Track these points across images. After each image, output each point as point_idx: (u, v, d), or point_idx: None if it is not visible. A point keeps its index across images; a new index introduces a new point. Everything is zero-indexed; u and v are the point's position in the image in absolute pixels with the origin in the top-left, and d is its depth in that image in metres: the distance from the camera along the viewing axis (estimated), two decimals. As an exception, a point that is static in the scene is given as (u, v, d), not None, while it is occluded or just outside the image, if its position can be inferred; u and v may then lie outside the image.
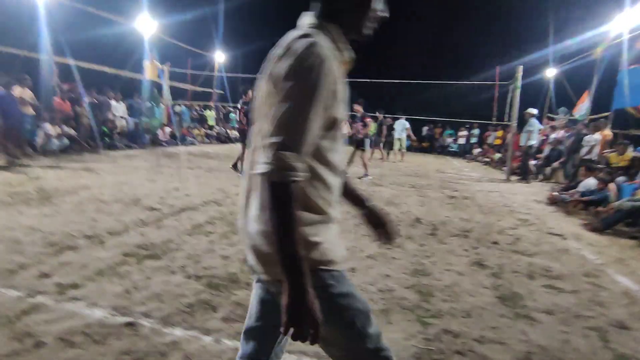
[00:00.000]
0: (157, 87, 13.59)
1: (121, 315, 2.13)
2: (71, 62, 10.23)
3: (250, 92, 6.88)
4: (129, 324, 2.04)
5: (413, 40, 20.13)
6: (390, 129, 13.76)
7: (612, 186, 5.78)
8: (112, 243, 3.25)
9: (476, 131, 17.72)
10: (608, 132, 8.34)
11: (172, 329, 2.04)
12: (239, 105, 7.93)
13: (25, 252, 2.90)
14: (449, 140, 18.83)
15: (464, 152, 17.45)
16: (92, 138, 9.71)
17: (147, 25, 12.32)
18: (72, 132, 9.21)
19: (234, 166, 7.71)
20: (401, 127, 13.61)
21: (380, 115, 12.46)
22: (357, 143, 8.25)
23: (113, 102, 11.12)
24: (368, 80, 13.51)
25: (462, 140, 18.04)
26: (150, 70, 12.31)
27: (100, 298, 2.30)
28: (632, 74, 8.02)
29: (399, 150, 13.74)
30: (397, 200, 6.06)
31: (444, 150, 18.70)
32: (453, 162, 14.80)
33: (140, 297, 2.36)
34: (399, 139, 13.72)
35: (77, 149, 9.04)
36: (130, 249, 3.14)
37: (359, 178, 7.88)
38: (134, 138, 11.33)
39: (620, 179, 6.04)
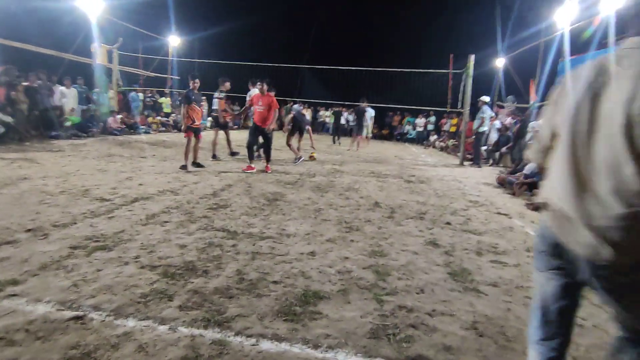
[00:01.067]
0: (107, 72, 12.76)
1: (68, 309, 2.03)
2: (1, 41, 9.30)
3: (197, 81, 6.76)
4: (77, 318, 1.94)
5: (374, 30, 20.37)
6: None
7: (552, 168, 6.23)
8: (57, 236, 3.05)
9: (433, 118, 18.38)
10: (550, 119, 8.94)
11: (125, 320, 1.97)
12: (218, 95, 8.21)
13: (-44, 249, 2.66)
14: (408, 127, 19.39)
15: (421, 139, 18.06)
16: (34, 126, 8.96)
17: (92, 4, 11.44)
18: (7, 119, 8.44)
19: (214, 156, 7.99)
20: (368, 115, 14.17)
21: (363, 104, 12.58)
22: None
23: (61, 88, 10.32)
24: (328, 67, 13.54)
25: (420, 128, 18.64)
26: (100, 54, 11.51)
27: (44, 293, 2.17)
28: (573, 64, 8.62)
29: (366, 137, 14.27)
30: (357, 186, 6.18)
31: (402, 138, 19.23)
32: (411, 149, 15.27)
33: (90, 290, 2.25)
34: (365, 127, 14.25)
35: (15, 138, 8.32)
36: (78, 241, 2.97)
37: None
38: (82, 126, 10.59)
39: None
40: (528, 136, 8.76)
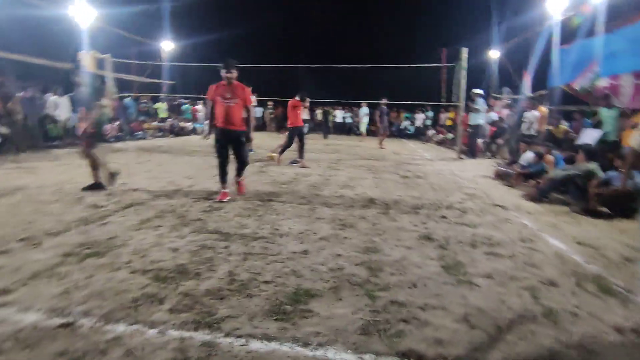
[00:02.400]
0: (101, 79, 12.76)
1: (58, 316, 2.02)
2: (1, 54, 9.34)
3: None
4: (66, 325, 1.94)
5: (366, 26, 20.38)
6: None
7: (548, 158, 6.22)
8: (50, 244, 3.05)
9: (430, 113, 18.39)
10: (544, 109, 8.94)
11: (114, 325, 1.97)
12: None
13: (-53, 261, 2.66)
14: (406, 123, 19.38)
15: (419, 134, 18.05)
16: (31, 136, 8.97)
17: (84, 13, 11.45)
18: (4, 130, 8.45)
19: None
20: (363, 112, 15.84)
21: (382, 103, 12.65)
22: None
23: (54, 97, 10.32)
24: (322, 66, 13.52)
25: (418, 123, 18.63)
26: (88, 61, 11.48)
27: (34, 301, 2.16)
28: (564, 54, 8.59)
29: (363, 133, 16.11)
30: (353, 183, 6.17)
31: (400, 133, 19.21)
32: (409, 144, 15.25)
33: (80, 296, 2.25)
34: (363, 123, 16.17)
35: (12, 149, 8.33)
36: (70, 248, 2.97)
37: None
38: (78, 135, 10.59)
39: (555, 151, 6.52)
40: (524, 127, 8.74)
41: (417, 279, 2.67)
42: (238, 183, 5.02)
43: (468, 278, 2.71)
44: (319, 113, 20.04)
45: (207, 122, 4.92)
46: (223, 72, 4.58)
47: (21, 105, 9.13)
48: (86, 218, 3.78)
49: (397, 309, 2.25)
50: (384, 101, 12.57)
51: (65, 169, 6.61)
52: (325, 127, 17.88)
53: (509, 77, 13.23)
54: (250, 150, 7.95)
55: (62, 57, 12.06)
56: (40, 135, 9.40)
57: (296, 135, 7.87)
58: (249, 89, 4.90)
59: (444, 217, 4.30)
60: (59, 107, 10.44)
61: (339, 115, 20.17)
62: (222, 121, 4.62)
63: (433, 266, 2.91)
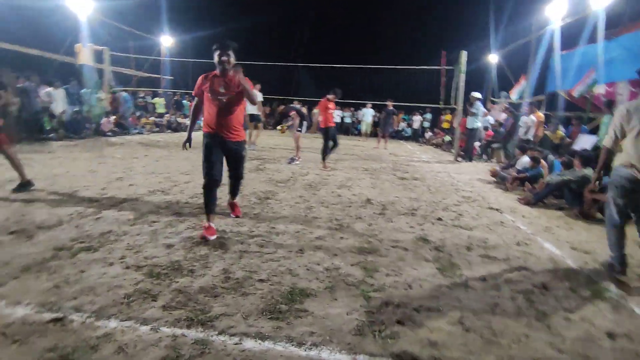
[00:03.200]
0: (99, 73, 12.67)
1: (48, 311, 2.00)
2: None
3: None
4: (56, 320, 1.91)
5: (366, 27, 20.38)
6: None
7: (544, 163, 6.25)
8: (42, 237, 3.01)
9: (428, 115, 18.41)
10: (541, 114, 8.98)
11: (106, 321, 1.94)
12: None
13: (-63, 252, 2.62)
14: (403, 124, 19.39)
15: (417, 136, 18.10)
16: (25, 128, 8.88)
17: (81, 5, 11.34)
18: (-2, 121, 8.35)
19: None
20: (368, 113, 16.42)
21: (389, 104, 12.69)
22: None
23: (49, 90, 10.21)
24: (321, 65, 13.50)
25: (416, 125, 18.65)
26: (83, 53, 11.39)
27: (24, 295, 2.13)
28: (564, 60, 8.64)
29: (365, 133, 16.75)
30: (350, 183, 6.16)
31: (397, 135, 19.22)
32: (407, 146, 15.27)
33: (72, 291, 2.22)
34: (366, 124, 16.66)
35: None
36: (63, 242, 2.94)
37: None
38: (74, 128, 10.51)
39: (551, 156, 6.55)
40: (521, 131, 8.77)
41: (413, 280, 2.67)
42: (232, 205, 3.95)
43: (463, 280, 2.71)
44: (315, 113, 20.01)
45: (188, 126, 3.54)
46: (216, 56, 3.22)
47: (16, 96, 9.02)
48: (80, 212, 3.74)
49: (392, 310, 2.24)
50: (390, 103, 12.60)
51: (61, 162, 6.54)
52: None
53: (507, 82, 13.28)
54: (252, 148, 7.73)
55: (58, 49, 11.97)
56: (36, 128, 9.30)
57: (329, 135, 7.41)
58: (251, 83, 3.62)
59: (440, 219, 4.31)
60: (54, 99, 10.34)
61: (336, 114, 20.14)
62: (213, 126, 3.30)
63: (429, 268, 2.90)
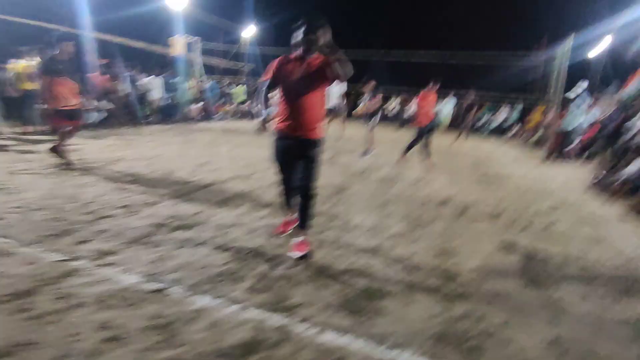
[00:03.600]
0: (189, 62, 13.77)
1: (153, 281, 2.25)
2: (109, 38, 10.56)
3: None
4: (159, 290, 2.14)
5: (456, 10, 19.09)
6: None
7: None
8: (145, 213, 3.39)
9: (519, 107, 16.72)
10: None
11: (200, 297, 2.13)
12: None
13: (67, 219, 3.09)
14: (487, 117, 17.94)
15: (502, 131, 16.64)
16: (130, 112, 10.07)
17: (178, 2, 12.36)
18: (110, 105, 9.57)
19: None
20: (450, 104, 14.72)
21: (471, 95, 12.11)
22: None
23: (149, 78, 11.41)
24: (404, 50, 13.02)
25: (502, 118, 17.14)
26: (178, 45, 12.42)
27: (134, 265, 2.43)
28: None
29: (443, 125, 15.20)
30: (427, 179, 5.93)
31: (480, 129, 17.88)
32: (490, 142, 14.21)
33: (172, 265, 2.47)
34: (445, 116, 14.86)
35: (115, 123, 9.41)
36: (162, 219, 3.27)
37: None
38: (168, 113, 11.64)
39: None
40: (628, 133, 7.58)
41: (498, 290, 2.49)
42: (297, 235, 2.81)
43: (558, 297, 2.46)
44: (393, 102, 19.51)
45: (262, 112, 2.91)
46: (298, 35, 2.59)
47: (124, 84, 10.22)
48: (175, 192, 4.13)
49: (476, 320, 2.12)
50: (472, 93, 11.75)
51: (156, 144, 7.28)
52: (400, 118, 17.29)
53: (618, 73, 11.54)
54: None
55: (157, 41, 13.24)
56: (139, 112, 10.47)
57: (425, 132, 6.82)
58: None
59: (527, 226, 3.94)
60: (153, 87, 11.49)
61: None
62: (285, 122, 2.73)
63: (516, 279, 2.68)
